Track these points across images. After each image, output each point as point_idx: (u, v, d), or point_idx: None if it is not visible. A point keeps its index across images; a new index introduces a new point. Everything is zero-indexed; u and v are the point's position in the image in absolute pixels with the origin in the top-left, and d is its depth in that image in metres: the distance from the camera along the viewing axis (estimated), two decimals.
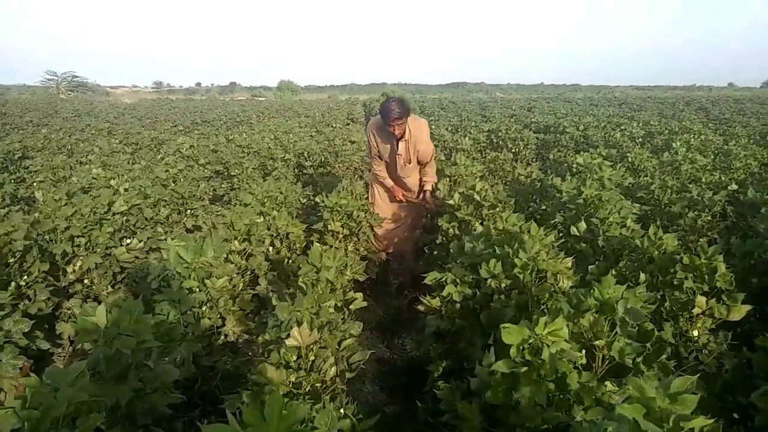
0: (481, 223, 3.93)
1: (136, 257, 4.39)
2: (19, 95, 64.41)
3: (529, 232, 3.07)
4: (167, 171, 6.77)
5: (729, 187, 5.57)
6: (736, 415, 2.25)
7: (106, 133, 15.38)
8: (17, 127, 17.73)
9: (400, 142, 4.91)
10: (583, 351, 2.07)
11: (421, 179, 5.22)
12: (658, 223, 4.45)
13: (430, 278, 3.21)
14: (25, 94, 67.69)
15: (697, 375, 2.58)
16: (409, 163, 5.00)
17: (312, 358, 2.25)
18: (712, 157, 8.17)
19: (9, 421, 1.68)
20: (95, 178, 5.97)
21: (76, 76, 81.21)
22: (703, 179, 5.88)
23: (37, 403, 1.72)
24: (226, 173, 8.53)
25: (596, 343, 2.07)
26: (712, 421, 1.34)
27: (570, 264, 2.86)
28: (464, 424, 2.06)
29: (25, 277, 3.53)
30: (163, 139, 13.43)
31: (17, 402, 1.72)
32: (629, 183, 6.05)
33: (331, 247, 3.25)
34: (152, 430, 2.19)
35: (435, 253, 4.46)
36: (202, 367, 3.07)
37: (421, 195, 5.23)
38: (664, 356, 2.27)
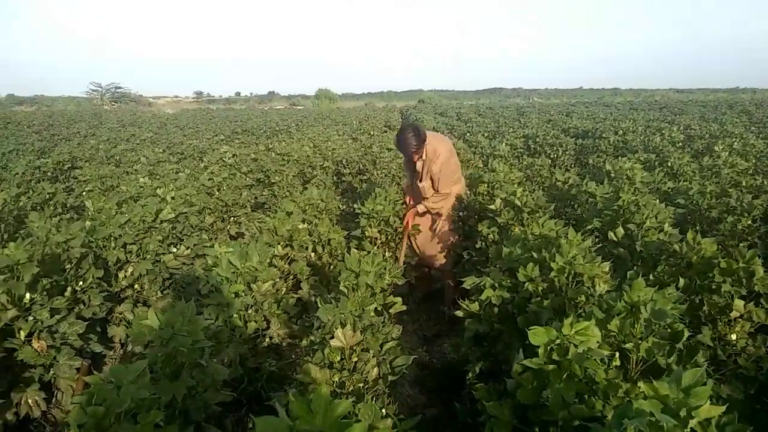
0: (521, 229, 3.98)
1: (184, 263, 4.55)
2: (65, 106, 66.22)
3: (566, 236, 3.11)
4: (211, 179, 6.95)
5: None
6: None
7: (150, 143, 15.78)
8: (65, 138, 18.31)
9: (418, 161, 5.01)
10: (617, 354, 2.12)
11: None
12: (697, 228, 4.45)
13: (468, 282, 3.28)
14: (71, 105, 69.63)
15: (730, 376, 2.62)
16: (421, 181, 5.06)
17: (355, 359, 2.34)
18: (753, 161, 8.05)
19: (77, 416, 1.81)
20: (142, 187, 6.17)
21: (120, 87, 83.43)
22: (744, 183, 5.82)
23: (101, 400, 1.84)
24: (267, 181, 8.71)
25: (626, 345, 2.12)
26: (722, 408, 1.40)
27: (607, 268, 2.90)
28: (496, 423, 2.12)
29: (81, 282, 3.71)
30: (204, 149, 13.73)
31: (83, 398, 1.85)
32: (668, 188, 6.02)
33: (369, 252, 3.33)
34: (204, 426, 2.31)
35: (474, 258, 4.52)
36: (248, 369, 3.19)
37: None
38: (700, 356, 2.31)
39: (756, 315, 2.73)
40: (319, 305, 2.61)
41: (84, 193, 7.40)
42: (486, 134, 15.47)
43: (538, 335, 2.01)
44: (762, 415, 2.32)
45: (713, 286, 2.86)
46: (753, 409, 2.39)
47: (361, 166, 9.86)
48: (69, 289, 3.60)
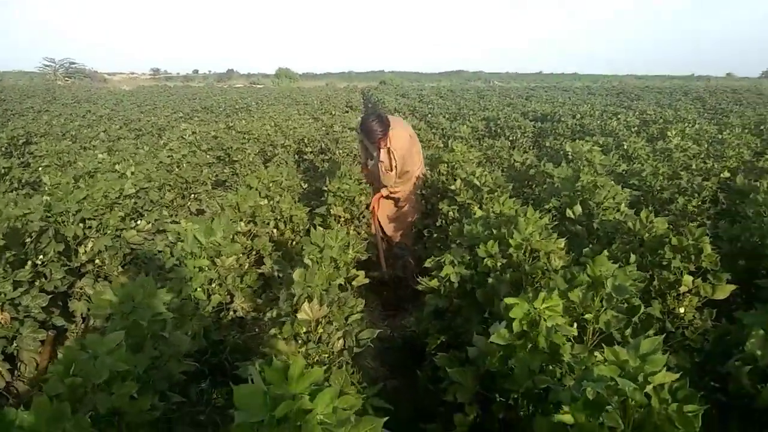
0: (480, 207, 4.06)
1: (145, 239, 4.53)
2: (16, 81, 64.09)
3: (525, 214, 3.21)
4: (171, 156, 6.89)
5: (721, 175, 5.71)
6: (714, 384, 2.40)
7: (107, 119, 15.46)
8: (18, 114, 17.81)
9: (381, 150, 5.08)
10: (575, 324, 2.22)
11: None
12: (649, 207, 4.61)
13: (429, 263, 3.36)
14: (23, 80, 67.41)
15: (680, 347, 2.75)
16: (390, 170, 5.14)
17: (320, 331, 2.39)
18: (705, 145, 8.30)
19: (52, 385, 1.81)
20: (100, 163, 6.09)
21: (74, 63, 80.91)
22: (694, 166, 6.02)
23: (78, 370, 1.85)
24: (227, 159, 8.65)
25: (586, 316, 2.21)
26: (676, 375, 1.49)
27: (563, 245, 3.00)
28: (459, 389, 2.20)
29: (41, 256, 3.67)
30: (163, 126, 13.52)
31: (59, 368, 1.85)
32: (622, 170, 6.19)
33: (334, 229, 3.39)
34: (168, 394, 2.34)
35: (435, 235, 4.60)
36: (212, 341, 3.22)
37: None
38: (652, 330, 2.43)
39: (703, 290, 2.86)
40: (296, 277, 2.65)
41: (40, 168, 7.25)
42: (447, 116, 15.57)
43: (516, 309, 2.05)
44: (707, 383, 2.44)
45: (664, 262, 2.98)
46: (700, 378, 2.51)
47: (323, 145, 9.86)
48: (29, 262, 3.57)
